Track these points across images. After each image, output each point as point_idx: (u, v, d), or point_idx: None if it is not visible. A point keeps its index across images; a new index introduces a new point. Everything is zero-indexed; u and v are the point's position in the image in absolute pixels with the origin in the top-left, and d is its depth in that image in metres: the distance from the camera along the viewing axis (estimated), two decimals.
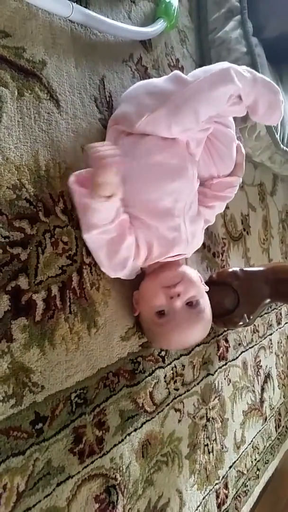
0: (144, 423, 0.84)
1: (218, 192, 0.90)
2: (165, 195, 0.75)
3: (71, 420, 0.68)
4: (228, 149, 0.87)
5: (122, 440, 0.79)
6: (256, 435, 1.36)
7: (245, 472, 1.25)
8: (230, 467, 1.17)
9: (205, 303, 0.81)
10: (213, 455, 1.09)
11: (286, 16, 1.24)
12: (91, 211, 0.64)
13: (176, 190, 0.76)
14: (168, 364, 0.94)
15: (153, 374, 0.89)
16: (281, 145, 1.28)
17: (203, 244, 1.11)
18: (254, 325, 1.43)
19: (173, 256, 0.80)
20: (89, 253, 0.73)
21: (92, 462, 0.72)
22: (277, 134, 1.22)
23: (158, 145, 0.75)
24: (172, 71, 1.00)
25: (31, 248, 0.63)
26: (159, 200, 0.75)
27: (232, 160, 0.90)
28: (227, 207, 1.23)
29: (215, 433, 1.11)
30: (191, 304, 0.78)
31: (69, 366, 0.69)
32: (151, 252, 0.76)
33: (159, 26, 0.90)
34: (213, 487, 1.08)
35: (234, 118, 0.90)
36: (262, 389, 1.45)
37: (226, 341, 1.23)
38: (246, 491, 1.25)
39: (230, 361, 1.23)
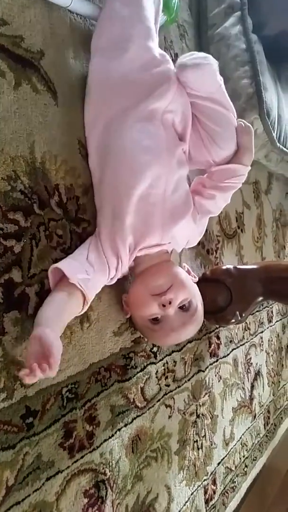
0: (135, 418, 0.84)
1: (219, 182, 0.82)
2: (138, 180, 0.70)
3: (61, 414, 0.68)
4: (222, 129, 0.77)
5: (112, 435, 0.78)
6: (245, 432, 1.37)
7: (233, 468, 1.26)
8: (219, 463, 1.18)
9: (197, 300, 0.80)
10: (202, 451, 1.09)
11: (286, 15, 1.24)
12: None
13: (150, 174, 0.71)
14: (160, 360, 0.94)
15: (144, 370, 0.89)
16: (278, 144, 1.28)
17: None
18: (246, 322, 1.44)
19: (152, 246, 0.75)
20: None
21: (82, 457, 0.71)
22: (273, 132, 1.22)
23: (133, 126, 0.71)
24: None
25: (25, 240, 0.63)
26: (132, 187, 0.70)
27: (230, 142, 0.79)
28: None
29: (204, 429, 1.11)
30: (184, 307, 0.77)
31: (61, 360, 0.67)
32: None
33: (159, 20, 0.89)
34: (202, 483, 1.08)
35: None
36: (252, 387, 1.46)
37: (218, 338, 1.23)
38: (234, 487, 1.26)
39: (221, 358, 1.24)
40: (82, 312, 0.67)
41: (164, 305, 0.73)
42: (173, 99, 0.73)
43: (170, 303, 0.73)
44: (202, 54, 0.74)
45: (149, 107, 0.71)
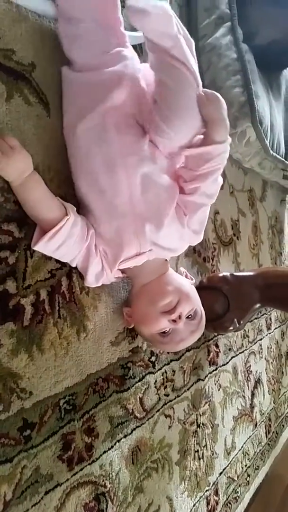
0: (134, 429, 0.84)
1: (196, 171, 0.69)
2: (95, 193, 0.67)
3: (59, 426, 0.67)
4: (176, 87, 0.63)
5: (112, 446, 0.78)
6: (246, 440, 1.36)
7: (235, 478, 1.25)
8: (221, 473, 1.17)
9: (200, 307, 0.80)
10: (203, 461, 1.08)
11: (276, 25, 1.25)
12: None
13: (107, 184, 0.66)
14: (159, 370, 0.94)
15: (143, 380, 0.88)
16: (271, 151, 1.29)
17: (193, 249, 1.11)
18: (244, 330, 1.43)
19: (133, 257, 0.72)
20: None
21: (81, 469, 0.71)
22: (266, 140, 1.23)
23: (84, 134, 0.66)
24: None
25: (19, 251, 0.62)
26: (92, 202, 0.68)
27: (189, 112, 0.64)
28: (217, 213, 1.24)
29: (205, 439, 1.10)
30: (190, 316, 0.77)
31: (58, 371, 0.68)
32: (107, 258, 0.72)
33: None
34: (204, 494, 1.07)
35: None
36: (252, 395, 1.45)
37: (217, 346, 1.22)
38: (237, 498, 1.24)
39: (220, 366, 1.23)
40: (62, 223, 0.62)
41: (174, 320, 0.73)
42: (128, 97, 0.66)
43: (179, 317, 0.74)
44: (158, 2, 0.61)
45: (99, 111, 0.65)
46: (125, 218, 0.68)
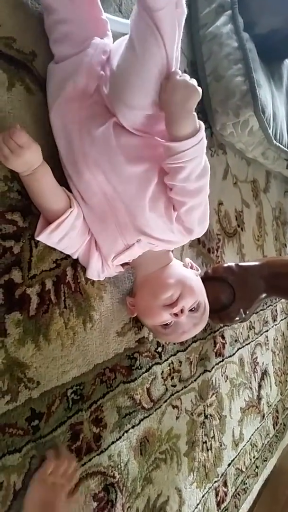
0: (142, 420, 0.83)
1: (165, 164, 0.61)
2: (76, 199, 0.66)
3: (67, 416, 0.67)
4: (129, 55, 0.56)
5: (120, 437, 0.77)
6: (254, 432, 1.35)
7: (244, 469, 1.24)
8: (229, 464, 1.16)
9: (204, 299, 0.79)
10: (211, 452, 1.08)
11: (276, 13, 1.24)
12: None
13: (81, 187, 0.65)
14: (165, 360, 0.93)
15: (150, 370, 0.88)
16: (274, 141, 1.28)
17: (198, 240, 1.10)
18: (250, 321, 1.43)
19: (124, 250, 0.70)
20: None
21: (89, 460, 0.70)
22: (269, 129, 1.22)
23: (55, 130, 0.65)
24: None
25: (24, 241, 0.62)
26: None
27: (139, 91, 0.57)
28: (221, 203, 1.23)
29: (213, 430, 1.10)
30: (193, 309, 0.76)
31: (64, 361, 0.67)
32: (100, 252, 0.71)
33: None
34: (212, 485, 1.07)
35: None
36: (259, 386, 1.44)
37: (223, 337, 1.22)
38: (245, 489, 1.24)
39: (227, 358, 1.22)
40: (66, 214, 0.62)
41: (176, 314, 0.72)
42: (86, 84, 0.62)
43: (182, 311, 0.72)
44: None
45: (60, 102, 0.62)
46: (105, 214, 0.66)
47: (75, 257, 0.70)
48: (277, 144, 1.32)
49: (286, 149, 1.39)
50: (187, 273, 0.79)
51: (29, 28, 0.66)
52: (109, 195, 0.64)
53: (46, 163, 0.60)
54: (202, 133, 0.58)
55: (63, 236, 0.63)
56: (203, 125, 0.59)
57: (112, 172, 0.62)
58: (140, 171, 0.62)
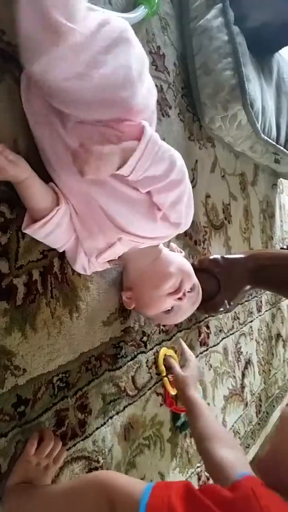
0: (126, 406, 0.86)
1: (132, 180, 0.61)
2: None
3: (53, 403, 0.69)
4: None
5: (105, 423, 0.80)
6: (237, 420, 1.39)
7: None
8: None
9: (196, 279, 0.85)
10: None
11: (267, 7, 1.25)
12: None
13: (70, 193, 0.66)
14: (150, 349, 0.96)
15: (135, 359, 0.90)
16: (262, 135, 1.29)
17: (185, 232, 1.12)
18: (235, 312, 1.45)
19: (106, 249, 0.71)
20: None
21: (74, 445, 0.73)
22: (258, 123, 1.24)
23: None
24: (153, 58, 1.00)
25: (11, 232, 0.63)
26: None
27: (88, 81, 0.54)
28: (208, 196, 1.25)
29: None
30: (190, 290, 0.82)
31: (51, 350, 0.69)
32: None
33: (140, 12, 0.90)
34: (195, 470, 1.10)
35: None
36: (243, 375, 1.48)
37: (207, 327, 1.25)
38: None
39: (211, 347, 1.25)
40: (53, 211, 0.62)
41: (180, 298, 0.78)
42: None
43: (184, 294, 0.78)
44: None
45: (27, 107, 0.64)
46: (85, 213, 0.67)
47: (61, 251, 0.71)
48: (265, 138, 1.33)
49: (274, 143, 1.40)
50: (180, 259, 0.84)
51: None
52: (87, 198, 0.65)
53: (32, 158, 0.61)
54: (147, 136, 0.56)
55: (49, 233, 0.64)
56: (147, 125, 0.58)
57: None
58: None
